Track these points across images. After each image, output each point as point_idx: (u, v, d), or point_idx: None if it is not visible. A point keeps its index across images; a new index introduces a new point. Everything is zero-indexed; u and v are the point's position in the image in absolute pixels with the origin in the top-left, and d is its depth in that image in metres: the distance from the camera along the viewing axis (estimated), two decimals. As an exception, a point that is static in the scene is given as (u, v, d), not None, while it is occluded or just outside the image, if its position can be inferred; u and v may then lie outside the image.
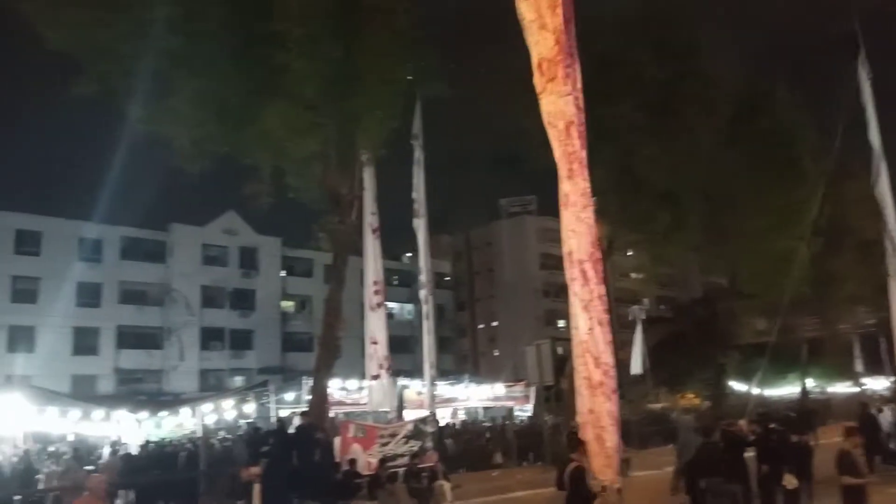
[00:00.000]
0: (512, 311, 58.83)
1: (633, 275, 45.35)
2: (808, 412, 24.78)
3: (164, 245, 47.27)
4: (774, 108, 28.00)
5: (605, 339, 7.96)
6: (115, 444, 21.18)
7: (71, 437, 22.66)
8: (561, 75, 8.10)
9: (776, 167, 26.81)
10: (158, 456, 20.43)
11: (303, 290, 52.85)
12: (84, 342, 42.26)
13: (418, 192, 20.64)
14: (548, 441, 22.04)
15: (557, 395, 28.02)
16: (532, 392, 29.92)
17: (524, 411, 31.71)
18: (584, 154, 8.14)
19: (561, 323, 51.70)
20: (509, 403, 31.21)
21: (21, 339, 39.69)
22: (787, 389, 38.11)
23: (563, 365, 24.24)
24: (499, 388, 31.05)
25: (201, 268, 47.91)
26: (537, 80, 8.28)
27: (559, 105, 8.09)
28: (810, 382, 37.92)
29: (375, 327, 19.67)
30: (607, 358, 7.92)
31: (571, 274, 7.95)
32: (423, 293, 21.19)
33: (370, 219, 19.49)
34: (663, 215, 26.02)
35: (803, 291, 25.13)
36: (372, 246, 19.85)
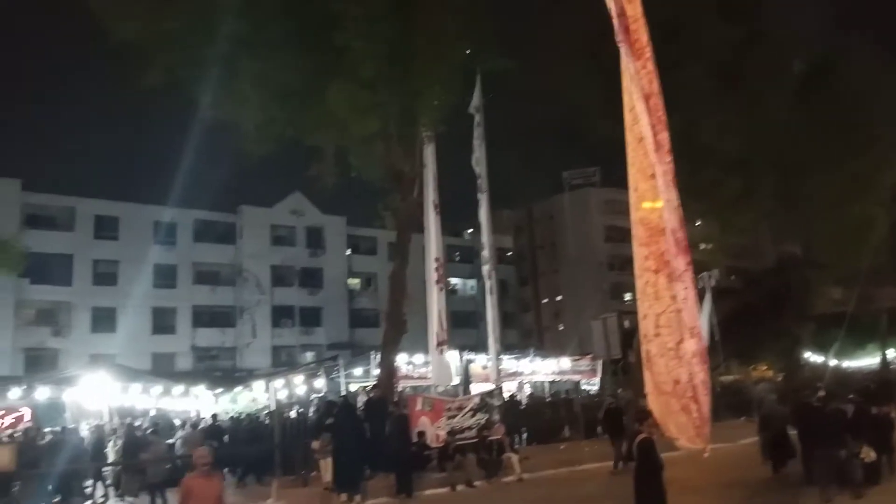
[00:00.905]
0: (576, 285, 58.29)
1: (702, 245, 44.24)
2: (888, 383, 23.85)
3: (234, 227, 48.73)
4: (849, 69, 26.65)
5: (697, 309, 7.87)
6: (194, 419, 22.12)
7: (153, 412, 23.73)
8: (644, 39, 7.90)
9: (851, 131, 25.60)
10: (235, 429, 21.33)
11: (368, 267, 53.67)
12: (162, 322, 44.15)
13: (480, 167, 20.62)
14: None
15: (625, 368, 27.76)
16: (599, 366, 29.71)
17: (591, 385, 31.53)
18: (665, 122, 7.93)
19: (627, 296, 50.95)
20: (576, 377, 31.07)
21: (104, 319, 41.76)
22: (865, 361, 36.71)
23: (629, 338, 23.97)
24: (565, 362, 30.90)
25: (270, 248, 49.19)
26: (622, 42, 8.01)
27: (645, 71, 7.88)
28: (892, 353, 36.40)
29: (437, 302, 19.92)
30: (699, 327, 7.81)
31: (671, 246, 7.76)
32: (486, 268, 21.29)
33: (431, 196, 19.63)
34: (733, 183, 25.25)
35: (882, 259, 24.07)
36: (433, 223, 20.01)
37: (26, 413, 23.79)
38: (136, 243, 42.98)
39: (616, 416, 16.66)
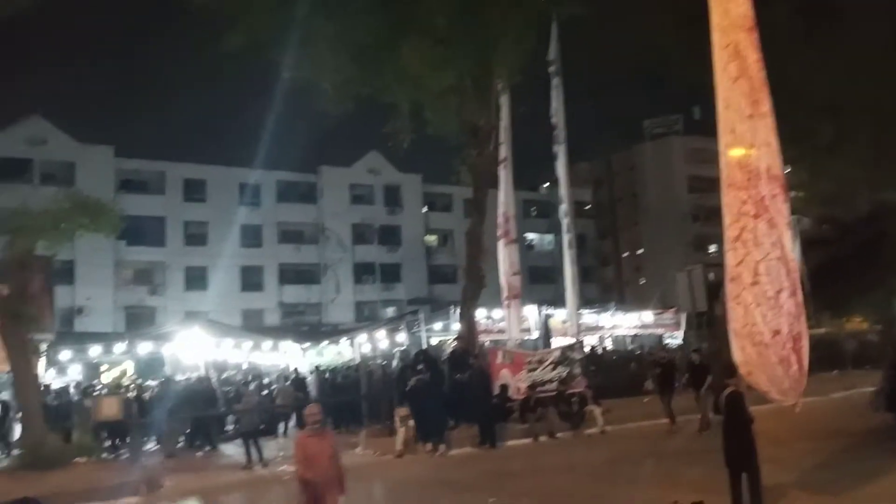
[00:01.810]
0: (658, 237, 56.86)
1: (792, 193, 42.19)
2: None
3: (314, 187, 49.80)
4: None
5: (797, 257, 7.60)
6: (285, 372, 23.05)
7: (245, 366, 24.85)
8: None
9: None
10: (324, 382, 22.16)
11: (444, 224, 53.94)
12: (250, 279, 45.92)
13: (557, 118, 20.20)
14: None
15: (709, 321, 27.04)
16: (682, 319, 29.10)
17: (674, 338, 30.99)
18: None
19: (712, 248, 49.39)
20: (658, 331, 30.61)
21: (196, 278, 43.76)
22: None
23: (715, 291, 23.28)
24: (647, 316, 30.44)
25: (350, 207, 50.11)
26: None
27: (743, 7, 7.48)
28: None
29: (512, 257, 19.86)
30: (797, 278, 7.52)
31: (771, 190, 7.43)
32: (564, 222, 21.01)
33: (502, 149, 19.40)
34: (825, 129, 23.78)
35: None
36: (505, 177, 19.82)
37: (129, 367, 25.41)
38: (224, 205, 44.62)
39: (701, 370, 16.28)
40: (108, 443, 16.65)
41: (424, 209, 53.80)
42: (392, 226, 51.70)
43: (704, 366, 16.03)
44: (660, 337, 30.83)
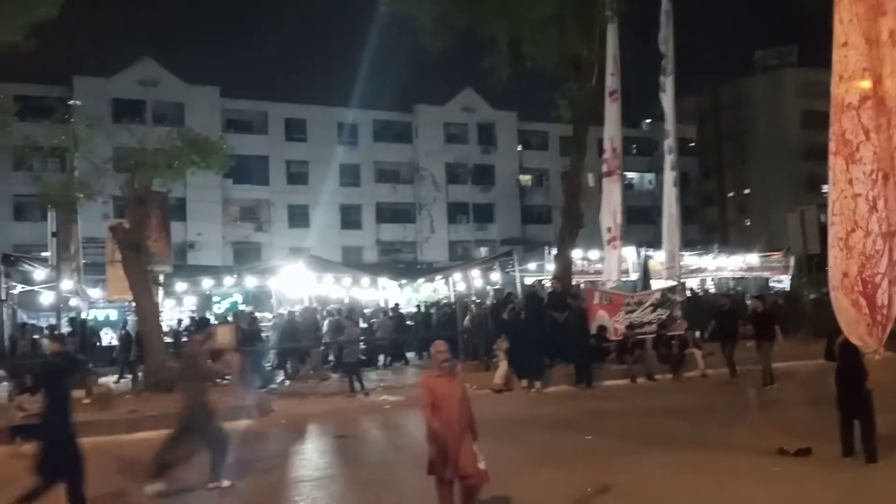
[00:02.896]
0: (766, 176, 53.93)
1: None
2: None
3: (409, 126, 49.95)
4: None
5: (878, 196, 6.98)
6: (384, 307, 23.72)
7: (346, 300, 25.68)
8: None
9: None
10: (422, 317, 22.70)
11: (539, 163, 53.15)
12: (349, 217, 47.13)
13: (666, 46, 19.14)
14: (811, 313, 20.54)
15: (820, 264, 25.66)
16: (791, 262, 27.72)
17: (779, 282, 29.65)
18: None
19: (825, 188, 46.44)
20: (765, 274, 29.33)
21: (298, 216, 45.35)
22: None
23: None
24: (753, 259, 29.13)
25: (444, 146, 50.09)
26: None
27: None
28: None
29: (613, 196, 19.24)
30: (873, 218, 6.96)
31: (878, 122, 6.86)
32: (669, 159, 20.18)
33: (610, 81, 18.53)
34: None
35: None
36: (611, 110, 19.05)
37: (239, 298, 26.76)
38: (323, 144, 45.61)
39: (765, 319, 15.09)
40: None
41: (519, 148, 53.08)
42: (486, 165, 51.44)
43: (768, 314, 15.13)
44: (766, 280, 29.57)
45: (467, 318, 18.76)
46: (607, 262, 19.97)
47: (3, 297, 20.92)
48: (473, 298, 23.27)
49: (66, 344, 9.70)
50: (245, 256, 40.69)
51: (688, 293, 21.86)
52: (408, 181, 49.40)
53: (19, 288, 21.95)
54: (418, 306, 24.69)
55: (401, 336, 21.54)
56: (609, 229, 19.22)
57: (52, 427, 6.95)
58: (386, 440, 10.28)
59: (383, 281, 24.80)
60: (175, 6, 75.18)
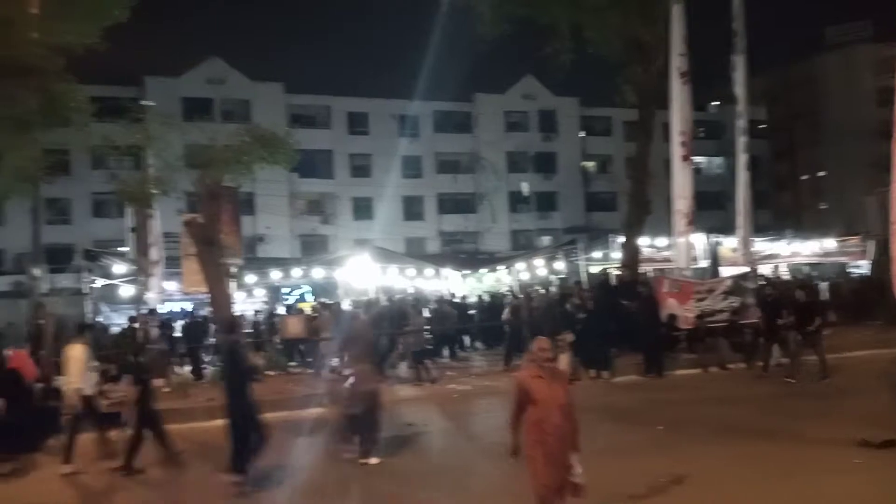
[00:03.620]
0: (841, 157, 51.61)
1: None
2: None
3: (469, 115, 49.89)
4: None
5: None
6: (445, 297, 23.79)
7: (411, 290, 25.91)
8: None
9: None
10: (487, 307, 22.69)
11: (602, 149, 52.32)
12: (412, 209, 47.51)
13: (738, 23, 18.47)
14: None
15: None
16: (870, 246, 26.52)
17: (857, 268, 28.42)
18: None
19: (906, 168, 44.15)
20: (842, 259, 28.15)
21: (362, 208, 46.01)
22: None
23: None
24: (829, 243, 28.01)
25: (505, 134, 49.85)
26: None
27: None
28: None
29: (682, 181, 18.63)
30: None
31: None
32: (740, 141, 19.55)
33: (678, 62, 17.83)
34: None
35: None
36: (680, 92, 18.41)
37: (307, 290, 27.33)
38: (385, 136, 46.09)
39: (808, 310, 14.33)
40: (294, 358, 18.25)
41: (581, 134, 52.33)
42: (547, 153, 50.96)
43: (811, 304, 14.40)
44: (842, 266, 28.39)
45: (506, 310, 18.35)
46: (677, 249, 19.47)
47: (86, 291, 21.99)
48: (538, 288, 23.15)
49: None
50: (312, 248, 41.50)
51: (761, 280, 21.17)
52: (468, 171, 49.40)
53: (100, 282, 23.01)
54: (479, 296, 24.70)
55: (464, 325, 21.58)
56: (679, 215, 18.66)
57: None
58: (455, 429, 10.37)
59: (446, 271, 24.95)
60: (239, 4, 77.00)
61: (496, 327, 19.32)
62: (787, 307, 14.17)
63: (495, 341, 19.41)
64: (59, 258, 29.25)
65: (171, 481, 8.79)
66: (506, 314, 18.08)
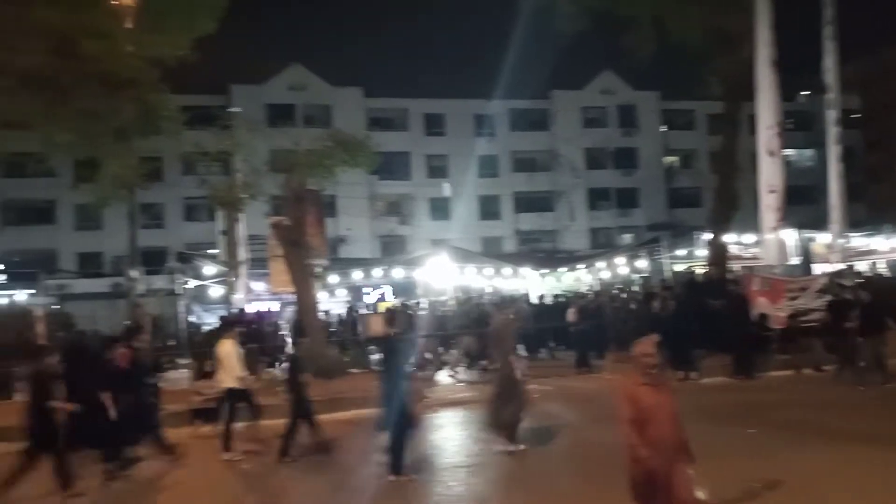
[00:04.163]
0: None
1: None
2: None
3: (546, 112, 49.49)
4: None
5: None
6: (526, 296, 23.67)
7: (489, 290, 25.93)
8: None
9: None
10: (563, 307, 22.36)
11: (685, 143, 50.94)
12: (488, 208, 47.53)
13: (829, 6, 17.58)
14: None
15: None
16: (980, 240, 24.84)
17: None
18: None
19: None
20: (948, 255, 26.45)
21: (439, 209, 46.35)
22: None
23: None
24: (933, 238, 26.36)
25: (582, 131, 49.23)
26: None
27: None
28: None
29: (771, 175, 17.83)
30: None
31: None
32: (833, 132, 18.64)
33: (765, 50, 17.13)
34: None
35: None
36: (768, 81, 17.65)
37: (387, 290, 27.77)
38: (461, 137, 46.31)
39: (872, 311, 13.17)
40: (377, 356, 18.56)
41: (663, 128, 51.07)
42: (628, 148, 50.03)
43: (876, 304, 13.34)
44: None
45: (571, 309, 17.89)
46: (766, 246, 18.73)
47: (179, 292, 23.04)
48: (620, 287, 22.76)
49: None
50: (391, 249, 42.12)
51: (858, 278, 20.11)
52: (545, 169, 48.98)
53: (192, 283, 24.08)
54: (556, 296, 24.36)
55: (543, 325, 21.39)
56: (768, 210, 17.92)
57: None
58: (536, 429, 10.27)
59: (524, 270, 24.85)
60: (317, 11, 78.84)
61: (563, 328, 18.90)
62: (854, 308, 13.41)
63: (561, 343, 18.92)
64: (153, 260, 30.74)
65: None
66: (571, 314, 17.59)
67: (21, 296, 26.50)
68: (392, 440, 8.25)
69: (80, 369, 9.48)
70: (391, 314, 10.18)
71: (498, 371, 9.59)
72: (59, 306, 23.05)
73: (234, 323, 12.75)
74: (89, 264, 38.15)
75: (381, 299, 26.06)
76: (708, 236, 19.94)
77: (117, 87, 15.92)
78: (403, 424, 8.28)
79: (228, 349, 10.15)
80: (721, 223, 18.38)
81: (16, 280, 28.29)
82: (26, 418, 8.00)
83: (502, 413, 9.18)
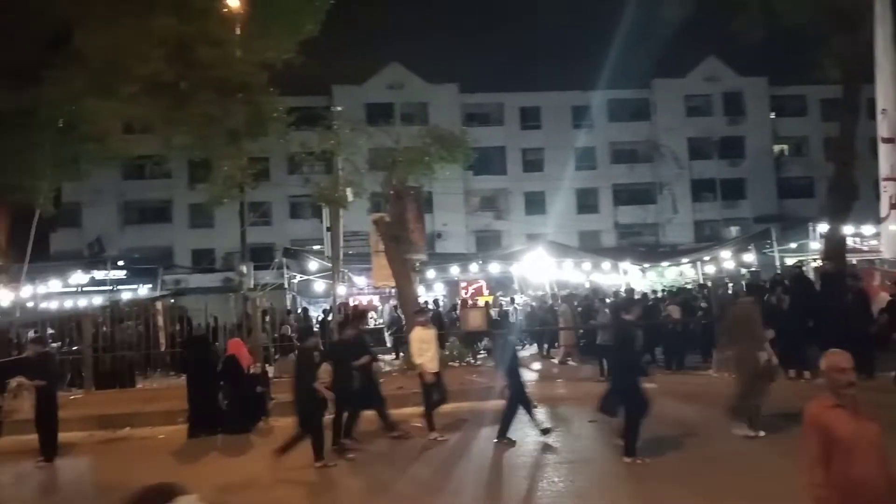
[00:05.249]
0: None
1: None
2: None
3: (646, 102, 48.19)
4: None
5: None
6: (629, 291, 23.16)
7: (587, 285, 25.57)
8: None
9: None
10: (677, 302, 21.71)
11: (796, 130, 48.36)
12: (586, 201, 46.72)
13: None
14: None
15: None
16: None
17: None
18: None
19: None
20: None
21: (535, 202, 46.04)
22: None
23: None
24: None
25: (685, 120, 47.59)
26: None
27: None
28: None
29: (891, 161, 16.60)
30: None
31: None
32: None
33: (886, 30, 15.94)
34: None
35: None
36: (888, 62, 16.43)
37: (483, 284, 27.89)
38: (557, 129, 45.78)
39: None
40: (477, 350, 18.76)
41: (771, 115, 48.64)
42: (734, 137, 47.93)
43: None
44: None
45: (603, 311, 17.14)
46: (886, 238, 17.50)
47: (286, 286, 23.98)
48: (727, 282, 21.91)
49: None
50: (486, 244, 42.25)
51: None
52: (646, 160, 47.69)
53: (298, 277, 25.00)
54: (656, 291, 23.67)
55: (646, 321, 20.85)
56: (888, 200, 16.73)
57: None
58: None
59: (624, 265, 24.31)
60: (412, 9, 79.77)
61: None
62: None
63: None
64: (261, 256, 32.08)
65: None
66: (604, 316, 16.63)
67: (142, 290, 28.38)
68: (626, 423, 8.58)
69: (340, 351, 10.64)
70: (629, 302, 10.89)
71: (740, 357, 9.87)
72: (173, 300, 24.47)
73: (425, 310, 13.79)
74: (202, 260, 40.25)
75: (477, 294, 26.21)
76: (824, 228, 18.85)
77: (230, 91, 16.74)
78: (637, 407, 8.55)
79: (422, 335, 10.74)
80: (839, 214, 17.29)
81: (136, 276, 30.23)
82: (294, 395, 9.44)
83: (747, 398, 9.48)
